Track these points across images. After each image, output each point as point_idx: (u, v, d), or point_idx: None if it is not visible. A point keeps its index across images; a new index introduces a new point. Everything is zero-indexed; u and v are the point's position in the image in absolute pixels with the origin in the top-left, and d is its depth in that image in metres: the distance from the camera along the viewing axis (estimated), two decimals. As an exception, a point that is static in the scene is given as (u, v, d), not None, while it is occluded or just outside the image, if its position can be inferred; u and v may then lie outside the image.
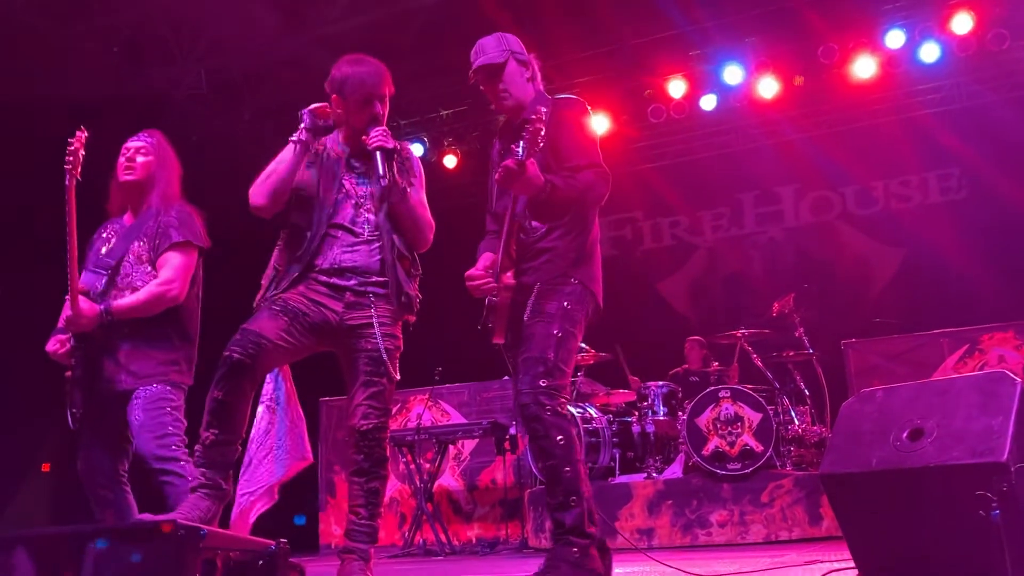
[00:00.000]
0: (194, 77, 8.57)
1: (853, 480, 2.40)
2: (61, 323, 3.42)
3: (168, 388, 3.37)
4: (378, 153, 3.08)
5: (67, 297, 3.32)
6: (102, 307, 3.34)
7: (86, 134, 3.35)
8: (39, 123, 7.59)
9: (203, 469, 2.93)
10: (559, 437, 2.84)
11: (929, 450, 2.27)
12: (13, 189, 7.54)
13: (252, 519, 3.36)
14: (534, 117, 2.87)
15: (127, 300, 3.37)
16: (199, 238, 3.54)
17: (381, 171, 3.07)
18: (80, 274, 3.44)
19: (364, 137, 3.12)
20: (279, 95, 9.14)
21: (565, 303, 2.97)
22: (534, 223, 3.10)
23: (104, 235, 3.62)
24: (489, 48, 3.17)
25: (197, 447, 2.97)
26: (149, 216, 3.51)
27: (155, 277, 3.42)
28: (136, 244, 3.48)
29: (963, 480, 2.15)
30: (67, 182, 3.26)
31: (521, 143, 2.85)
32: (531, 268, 3.05)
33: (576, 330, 3.00)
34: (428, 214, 3.24)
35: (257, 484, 3.33)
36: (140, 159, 3.54)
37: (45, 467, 8.25)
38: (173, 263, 3.43)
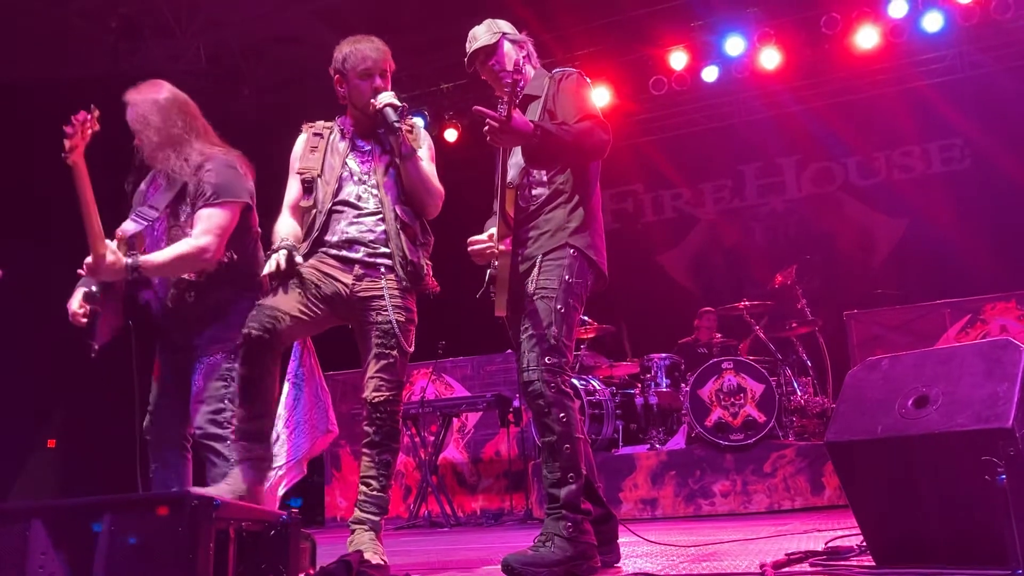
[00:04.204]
0: (192, 53, 8.52)
1: (858, 448, 2.41)
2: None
3: (232, 357, 3.19)
4: (387, 108, 3.16)
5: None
6: (128, 261, 3.10)
7: (84, 115, 3.08)
8: (38, 103, 7.56)
9: (242, 442, 2.98)
10: (561, 414, 2.88)
11: (934, 417, 2.28)
12: (14, 170, 7.52)
13: (280, 492, 3.40)
14: (511, 70, 2.85)
15: (155, 257, 3.16)
16: (240, 195, 3.29)
17: (394, 118, 3.13)
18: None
19: (372, 101, 3.19)
20: (278, 69, 9.10)
21: (567, 276, 2.96)
22: (533, 192, 3.07)
23: (152, 186, 3.40)
24: (480, 33, 3.24)
25: (232, 422, 3.01)
26: (186, 173, 3.28)
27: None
28: (183, 206, 3.28)
29: (969, 446, 2.16)
30: (69, 161, 3.01)
31: (504, 99, 2.80)
32: (531, 239, 3.04)
33: (578, 303, 3.00)
34: (437, 182, 3.29)
35: (285, 459, 3.36)
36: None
37: (51, 443, 8.29)
38: (206, 224, 3.20)
